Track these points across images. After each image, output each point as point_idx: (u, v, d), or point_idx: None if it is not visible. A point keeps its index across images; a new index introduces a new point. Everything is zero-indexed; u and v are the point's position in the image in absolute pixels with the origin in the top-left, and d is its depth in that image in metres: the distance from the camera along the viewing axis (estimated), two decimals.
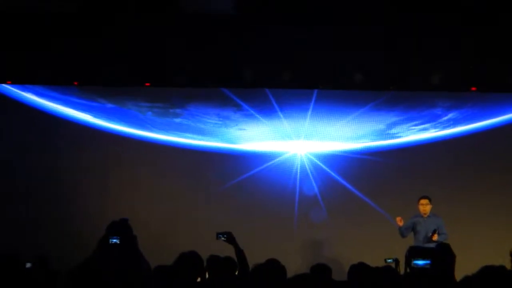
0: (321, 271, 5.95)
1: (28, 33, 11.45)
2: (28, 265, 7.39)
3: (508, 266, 4.64)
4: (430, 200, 10.38)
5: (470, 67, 11.30)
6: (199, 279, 5.70)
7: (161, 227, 11.92)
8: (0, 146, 12.36)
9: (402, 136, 12.08)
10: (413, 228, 10.35)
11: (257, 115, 12.19)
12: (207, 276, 5.85)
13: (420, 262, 5.33)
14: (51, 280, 5.39)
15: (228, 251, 6.49)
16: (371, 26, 10.96)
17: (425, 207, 10.34)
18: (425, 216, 10.32)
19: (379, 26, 11.00)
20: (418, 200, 10.42)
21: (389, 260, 8.19)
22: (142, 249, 6.46)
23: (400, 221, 10.30)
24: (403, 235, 10.36)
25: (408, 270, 5.99)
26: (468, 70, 11.35)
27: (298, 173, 12.10)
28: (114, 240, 5.79)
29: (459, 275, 4.81)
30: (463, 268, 5.27)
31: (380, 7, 10.81)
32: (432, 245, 9.76)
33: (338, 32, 11.06)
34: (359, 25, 10.95)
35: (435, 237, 10.01)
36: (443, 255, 5.50)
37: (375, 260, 6.86)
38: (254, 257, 6.04)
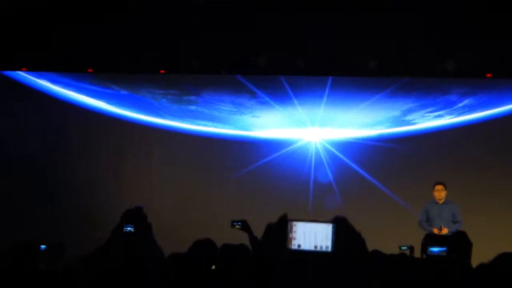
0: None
1: (42, 20, 11.47)
2: (43, 247, 7.40)
3: None
4: (445, 186, 10.29)
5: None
6: (213, 267, 5.68)
7: (175, 214, 11.95)
8: (15, 133, 12.42)
9: (417, 123, 12.02)
10: (427, 215, 10.27)
11: (271, 102, 12.17)
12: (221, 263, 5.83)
13: (436, 249, 5.30)
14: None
15: (242, 238, 6.47)
16: (385, 12, 10.90)
17: (440, 192, 10.25)
18: (440, 202, 10.25)
19: (393, 12, 10.93)
20: (433, 186, 10.34)
21: (404, 247, 8.15)
22: (155, 237, 6.45)
23: (435, 230, 10.13)
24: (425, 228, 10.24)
25: (424, 257, 5.96)
26: (484, 56, 11.26)
27: (313, 161, 12.08)
28: (129, 229, 5.78)
29: (475, 263, 4.77)
30: (480, 255, 5.23)
31: None
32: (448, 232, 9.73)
33: (353, 18, 11.01)
34: (373, 11, 10.89)
35: (445, 231, 9.90)
36: (459, 243, 5.47)
37: (389, 247, 6.83)
38: None
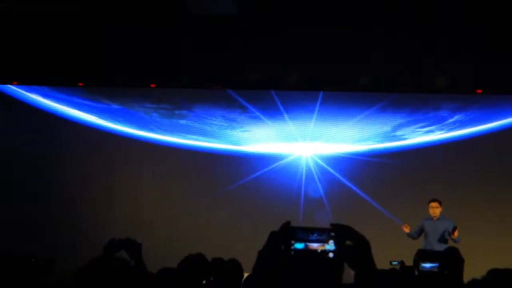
0: None
1: (34, 34, 11.47)
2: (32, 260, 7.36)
3: None
4: (440, 203, 10.31)
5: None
6: (204, 282, 5.67)
7: (166, 228, 11.93)
8: (5, 147, 12.39)
9: (407, 138, 12.05)
10: (423, 231, 10.31)
11: (262, 117, 12.17)
12: (212, 278, 5.81)
13: (428, 265, 5.30)
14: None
15: (234, 253, 6.45)
16: (377, 27, 10.94)
17: (434, 210, 10.28)
18: (435, 219, 10.27)
19: (384, 27, 10.97)
20: (428, 203, 10.37)
21: (394, 263, 8.14)
22: (146, 251, 6.42)
23: (406, 228, 10.29)
24: (413, 237, 10.34)
25: (416, 273, 5.96)
26: (474, 72, 11.31)
27: (304, 175, 12.08)
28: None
29: (467, 279, 4.78)
30: (471, 272, 5.23)
31: (386, 8, 10.81)
32: (444, 247, 9.74)
33: (344, 33, 11.04)
34: (365, 26, 10.93)
35: (456, 234, 9.90)
36: (451, 259, 5.47)
37: (380, 262, 6.82)
38: None
